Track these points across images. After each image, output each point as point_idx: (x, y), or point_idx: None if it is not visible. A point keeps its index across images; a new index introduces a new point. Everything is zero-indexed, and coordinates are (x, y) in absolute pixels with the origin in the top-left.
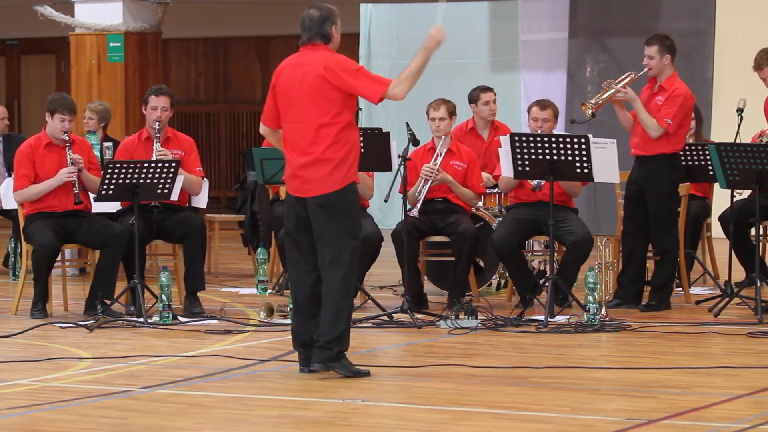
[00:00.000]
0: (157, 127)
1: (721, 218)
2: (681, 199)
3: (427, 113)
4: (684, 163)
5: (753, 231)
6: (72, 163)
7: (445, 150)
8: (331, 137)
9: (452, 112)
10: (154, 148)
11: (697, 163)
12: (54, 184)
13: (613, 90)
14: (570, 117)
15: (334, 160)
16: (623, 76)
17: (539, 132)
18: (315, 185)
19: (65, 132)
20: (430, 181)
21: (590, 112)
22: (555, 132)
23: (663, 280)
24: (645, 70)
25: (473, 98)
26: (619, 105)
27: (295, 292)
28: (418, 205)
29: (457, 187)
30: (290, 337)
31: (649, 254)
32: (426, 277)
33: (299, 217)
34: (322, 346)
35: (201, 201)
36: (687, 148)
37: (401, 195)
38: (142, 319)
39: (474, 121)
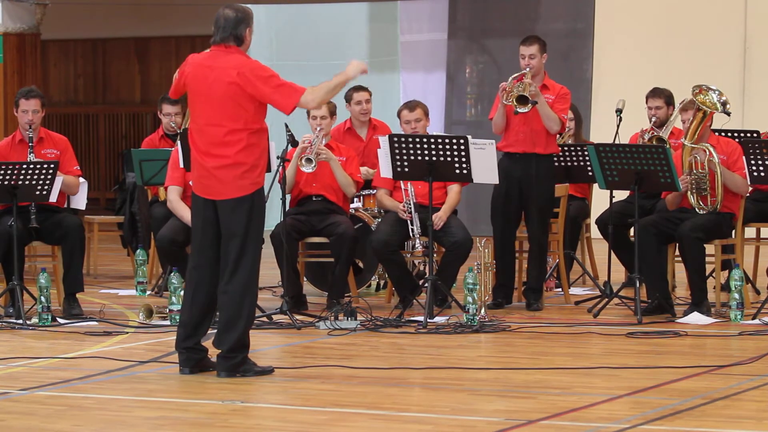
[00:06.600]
0: (30, 130)
1: (598, 221)
2: (560, 199)
3: (308, 112)
4: (563, 163)
5: (632, 231)
6: None
7: (324, 143)
8: (243, 142)
9: (333, 112)
10: (29, 157)
11: (576, 163)
12: None
13: (533, 87)
14: (449, 118)
15: (245, 164)
16: (516, 75)
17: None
18: (227, 188)
19: None
20: (315, 145)
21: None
22: (430, 131)
23: (542, 279)
24: (526, 70)
25: (347, 98)
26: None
27: (192, 293)
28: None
29: (338, 167)
30: (169, 338)
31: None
32: (305, 278)
33: (207, 220)
34: (225, 356)
35: (80, 202)
36: (566, 148)
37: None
38: (21, 321)
39: (351, 121)
